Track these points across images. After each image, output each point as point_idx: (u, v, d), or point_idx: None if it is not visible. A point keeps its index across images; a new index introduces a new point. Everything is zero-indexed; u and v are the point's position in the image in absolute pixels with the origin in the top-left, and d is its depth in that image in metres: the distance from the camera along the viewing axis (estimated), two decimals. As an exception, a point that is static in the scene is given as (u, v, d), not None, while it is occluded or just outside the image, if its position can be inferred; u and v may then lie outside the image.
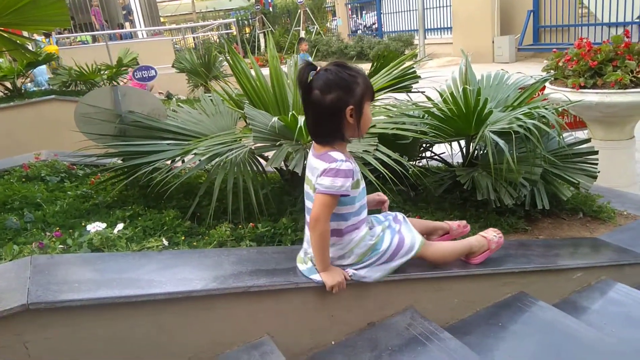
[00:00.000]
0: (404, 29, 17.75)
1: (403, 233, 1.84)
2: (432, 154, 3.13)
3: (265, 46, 19.01)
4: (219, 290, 1.49)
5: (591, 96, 3.54)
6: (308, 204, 1.71)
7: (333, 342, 1.73)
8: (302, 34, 18.05)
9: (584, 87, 3.58)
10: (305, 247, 1.76)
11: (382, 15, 18.85)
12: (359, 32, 19.70)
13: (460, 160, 2.95)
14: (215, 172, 2.14)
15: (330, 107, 1.56)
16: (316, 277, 1.66)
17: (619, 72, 3.49)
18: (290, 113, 1.98)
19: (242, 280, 1.56)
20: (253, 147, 2.10)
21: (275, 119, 1.94)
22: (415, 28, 15.76)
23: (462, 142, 2.93)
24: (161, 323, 1.48)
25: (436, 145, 3.03)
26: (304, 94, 1.60)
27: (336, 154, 1.60)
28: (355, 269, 1.74)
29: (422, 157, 3.14)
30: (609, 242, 2.56)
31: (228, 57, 2.51)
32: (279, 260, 1.77)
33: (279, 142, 1.99)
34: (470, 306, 2.03)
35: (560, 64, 3.84)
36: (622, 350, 1.72)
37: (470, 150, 2.82)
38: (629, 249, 2.49)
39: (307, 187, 1.72)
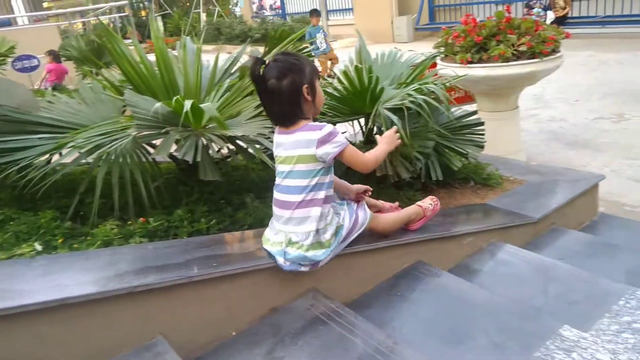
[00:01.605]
0: (307, 10, 17.72)
1: (358, 212, 2.00)
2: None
3: (165, 29, 18.09)
4: (99, 294, 1.37)
5: (478, 70, 3.74)
6: (278, 180, 1.83)
7: (234, 333, 1.68)
8: (203, 16, 17.38)
9: (471, 62, 3.77)
10: (279, 229, 1.80)
11: (284, -4, 18.68)
12: (264, 12, 19.37)
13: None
14: (97, 166, 1.96)
15: (288, 90, 1.72)
16: (280, 258, 1.75)
17: (501, 46, 3.71)
18: (175, 97, 1.86)
19: (126, 280, 1.45)
20: (137, 136, 1.95)
21: (158, 104, 1.81)
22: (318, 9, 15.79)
23: (362, 121, 2.97)
24: (39, 334, 1.35)
25: (339, 125, 3.04)
26: (260, 86, 1.75)
27: (316, 122, 1.80)
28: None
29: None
30: (497, 206, 2.74)
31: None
32: (170, 255, 1.68)
33: (164, 129, 1.87)
34: (373, 280, 2.08)
35: (450, 40, 4.01)
36: (508, 306, 1.84)
37: (369, 127, 2.86)
38: (516, 211, 2.68)
39: (282, 166, 1.82)
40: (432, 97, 2.62)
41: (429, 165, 2.74)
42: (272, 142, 2.13)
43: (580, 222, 2.99)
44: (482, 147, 2.93)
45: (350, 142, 3.01)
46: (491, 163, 3.24)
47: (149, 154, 2.19)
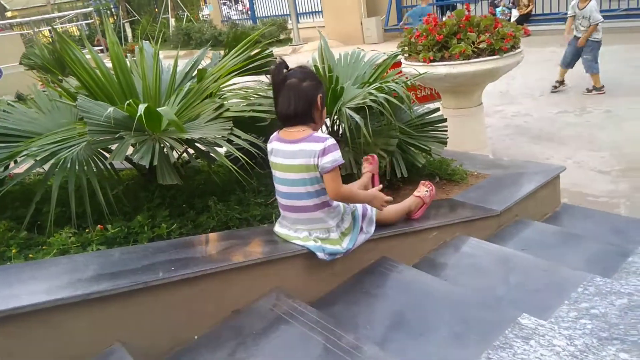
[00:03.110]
0: (277, 14, 17.72)
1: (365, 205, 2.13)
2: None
3: (133, 36, 17.83)
4: (50, 303, 1.34)
5: (440, 68, 3.80)
6: (284, 188, 1.94)
7: (196, 337, 1.66)
8: (172, 22, 17.20)
9: (434, 61, 3.83)
10: (298, 227, 1.96)
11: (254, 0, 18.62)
12: (233, 17, 19.27)
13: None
14: (52, 173, 1.92)
15: (307, 91, 1.88)
16: (320, 254, 1.91)
17: (462, 44, 3.78)
18: (127, 101, 1.83)
19: (80, 288, 1.42)
20: (92, 142, 1.91)
21: (111, 108, 1.78)
22: (288, 12, 15.81)
23: (328, 121, 2.98)
24: (-15, 349, 1.30)
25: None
26: (280, 85, 1.88)
27: (320, 134, 1.91)
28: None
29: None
30: (462, 200, 2.78)
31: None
32: (127, 262, 1.65)
33: (118, 135, 1.84)
34: (338, 277, 2.08)
35: (412, 40, 4.06)
36: (469, 297, 1.87)
37: (333, 127, 2.88)
38: (479, 205, 2.72)
39: (285, 174, 1.91)
40: (395, 95, 2.65)
41: (394, 162, 2.77)
42: (233, 144, 2.14)
43: (543, 213, 3.06)
44: (445, 143, 2.97)
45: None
46: (456, 159, 3.28)
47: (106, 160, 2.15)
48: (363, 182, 2.35)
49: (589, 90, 6.49)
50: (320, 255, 1.91)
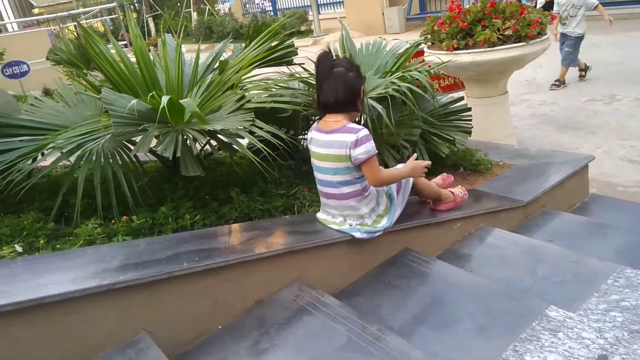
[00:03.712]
0: (297, 5, 17.65)
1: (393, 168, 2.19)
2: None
3: (156, 30, 18.01)
4: (77, 292, 1.37)
5: (464, 56, 3.72)
6: (319, 176, 2.04)
7: (220, 327, 1.67)
8: (194, 15, 17.31)
9: (457, 49, 3.76)
10: (334, 213, 2.05)
11: (275, -8, 18.58)
12: (256, 10, 19.27)
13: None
14: (78, 166, 1.95)
15: (353, 80, 1.95)
16: (357, 234, 1.98)
17: (487, 31, 3.69)
18: (150, 94, 1.85)
19: (105, 278, 1.44)
20: (116, 134, 1.93)
21: (134, 100, 1.80)
22: (309, 4, 15.72)
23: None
24: (15, 336, 1.33)
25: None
26: (327, 72, 1.93)
27: (354, 125, 1.95)
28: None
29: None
30: (487, 191, 2.73)
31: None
32: (151, 252, 1.67)
33: (142, 126, 1.85)
34: (361, 268, 2.07)
35: (436, 28, 3.99)
36: (494, 289, 1.84)
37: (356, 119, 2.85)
38: (505, 195, 2.67)
39: (321, 163, 2.00)
40: (418, 85, 2.61)
41: (416, 153, 2.73)
42: (255, 135, 2.14)
43: (571, 204, 2.98)
44: (469, 132, 2.92)
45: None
46: (480, 149, 3.23)
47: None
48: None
49: (557, 85, 6.45)
50: (358, 235, 1.99)
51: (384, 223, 2.06)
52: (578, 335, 1.54)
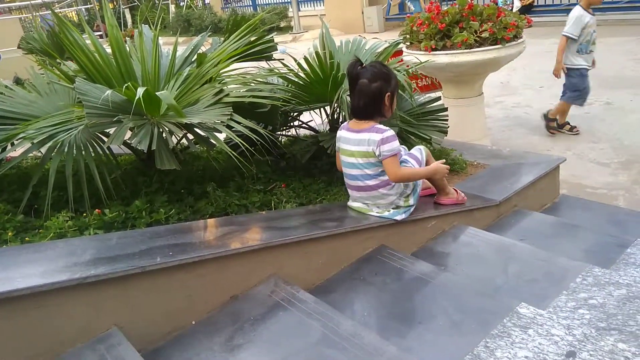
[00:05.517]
0: (278, 1, 17.56)
1: (410, 151, 2.42)
2: (300, 123, 3.12)
3: (133, 22, 17.66)
4: (46, 286, 1.33)
5: (441, 57, 3.76)
6: (348, 171, 2.23)
7: (194, 322, 1.66)
8: (172, 8, 17.04)
9: (435, 49, 3.80)
10: (368, 203, 2.26)
11: (255, -13, 18.43)
12: (232, 4, 19.07)
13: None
14: (49, 157, 1.90)
15: (373, 92, 2.10)
16: (398, 217, 2.24)
17: (464, 33, 3.74)
18: (126, 85, 1.81)
19: (76, 271, 1.41)
20: (89, 126, 1.89)
21: (109, 91, 1.76)
22: (289, 0, 15.66)
23: (328, 109, 2.95)
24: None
25: (307, 113, 3.01)
26: (354, 81, 2.11)
27: (381, 125, 2.13)
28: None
29: (291, 126, 3.12)
30: (461, 190, 2.76)
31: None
32: (124, 246, 1.64)
33: (116, 118, 1.81)
34: (336, 265, 2.08)
35: (414, 28, 4.02)
36: (467, 286, 1.87)
37: (333, 115, 2.85)
38: (479, 194, 2.72)
39: (346, 158, 2.21)
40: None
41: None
42: (233, 130, 2.12)
43: (542, 204, 3.05)
44: (445, 132, 2.95)
45: (313, 130, 3.05)
46: (456, 149, 3.27)
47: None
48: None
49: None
50: (400, 217, 2.23)
51: (411, 202, 2.30)
52: (547, 332, 1.58)
